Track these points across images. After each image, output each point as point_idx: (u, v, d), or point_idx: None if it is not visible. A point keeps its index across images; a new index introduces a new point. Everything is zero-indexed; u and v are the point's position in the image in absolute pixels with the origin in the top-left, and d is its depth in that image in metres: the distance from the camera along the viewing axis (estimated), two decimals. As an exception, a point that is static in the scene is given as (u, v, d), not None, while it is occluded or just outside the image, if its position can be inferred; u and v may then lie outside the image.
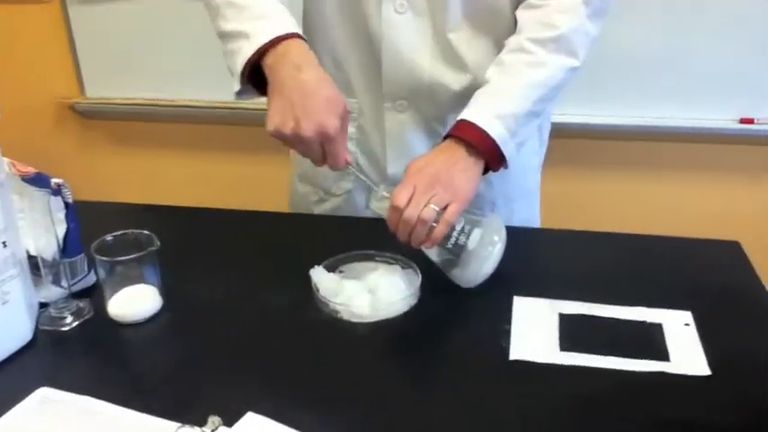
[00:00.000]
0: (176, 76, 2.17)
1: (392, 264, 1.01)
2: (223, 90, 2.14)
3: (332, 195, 1.24)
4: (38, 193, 0.87)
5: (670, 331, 0.88)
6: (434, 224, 0.90)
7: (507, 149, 0.98)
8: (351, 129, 1.16)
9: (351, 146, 1.18)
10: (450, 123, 1.06)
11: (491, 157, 0.97)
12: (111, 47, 2.17)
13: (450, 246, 0.93)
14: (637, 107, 1.91)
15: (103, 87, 2.23)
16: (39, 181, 0.90)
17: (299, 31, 0.94)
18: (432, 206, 0.90)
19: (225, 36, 0.97)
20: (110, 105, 2.24)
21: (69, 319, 0.91)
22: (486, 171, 1.00)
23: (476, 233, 0.94)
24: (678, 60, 1.84)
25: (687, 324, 0.90)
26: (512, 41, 1.03)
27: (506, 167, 1.01)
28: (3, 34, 2.22)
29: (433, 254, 0.96)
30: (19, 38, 2.22)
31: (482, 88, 1.02)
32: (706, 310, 0.92)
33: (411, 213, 0.89)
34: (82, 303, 0.94)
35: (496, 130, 0.97)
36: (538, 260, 0.96)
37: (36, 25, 2.19)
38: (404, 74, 1.09)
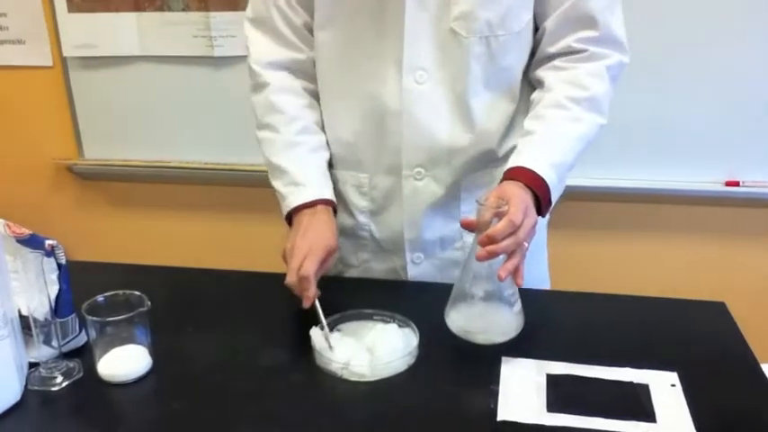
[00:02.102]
0: (173, 139, 2.20)
1: (389, 322, 1.02)
2: (218, 152, 2.19)
3: (350, 266, 1.26)
4: (31, 255, 0.89)
5: (657, 392, 0.89)
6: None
7: (555, 197, 1.02)
8: (363, 203, 1.19)
9: (363, 218, 1.20)
10: (467, 188, 1.09)
11: (546, 205, 1.01)
12: (110, 110, 2.21)
13: (507, 292, 0.95)
14: (622, 170, 1.94)
15: (101, 149, 2.27)
16: (33, 242, 0.91)
17: (323, 194, 1.11)
18: (525, 244, 0.94)
19: (273, 183, 1.16)
20: (107, 167, 2.27)
21: (59, 379, 0.92)
22: None
23: (519, 302, 0.97)
24: (664, 123, 1.88)
25: (673, 385, 0.90)
26: (546, 98, 1.07)
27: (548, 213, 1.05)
28: (5, 97, 2.27)
29: (482, 284, 0.96)
30: (20, 100, 2.27)
31: (527, 138, 1.06)
32: (692, 371, 0.93)
33: (523, 237, 0.92)
34: (72, 363, 0.94)
35: (551, 178, 1.01)
36: (525, 321, 0.96)
37: (38, 89, 2.24)
38: (423, 142, 1.11)
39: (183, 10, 2.04)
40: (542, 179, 1.00)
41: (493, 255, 0.91)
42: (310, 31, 1.15)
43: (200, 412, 0.86)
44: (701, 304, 1.11)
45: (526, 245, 0.94)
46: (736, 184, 1.92)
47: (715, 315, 1.08)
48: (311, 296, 1.00)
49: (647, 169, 1.93)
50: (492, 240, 0.91)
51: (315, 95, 1.19)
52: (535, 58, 1.12)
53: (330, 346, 0.96)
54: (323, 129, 1.19)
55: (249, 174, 2.16)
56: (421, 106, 1.09)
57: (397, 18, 1.05)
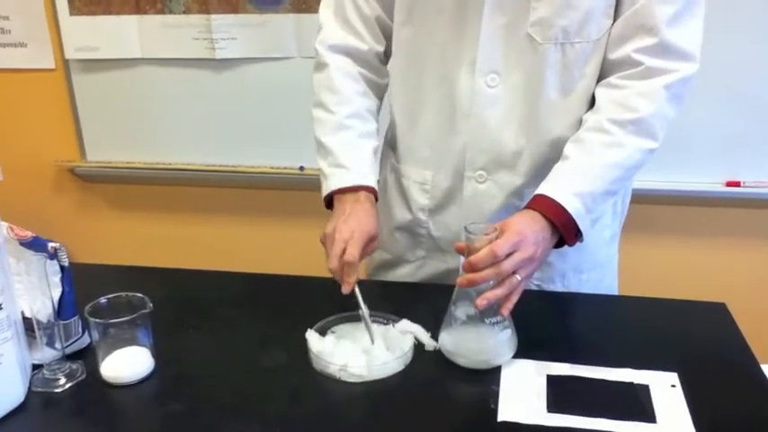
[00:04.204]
0: (174, 141, 2.21)
1: (385, 323, 1.02)
2: (219, 153, 2.19)
3: (406, 262, 1.26)
4: (35, 257, 0.89)
5: (657, 393, 0.89)
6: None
7: (583, 225, 1.01)
8: (424, 200, 1.20)
9: (422, 215, 1.21)
10: (528, 197, 1.07)
11: (567, 232, 1.00)
12: (112, 112, 2.22)
13: (490, 319, 0.93)
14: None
15: (103, 151, 2.28)
16: (36, 245, 0.92)
17: (366, 180, 1.12)
18: (518, 277, 0.93)
19: (320, 162, 1.17)
20: (109, 169, 2.27)
21: (62, 380, 0.92)
22: (559, 245, 1.02)
23: (507, 331, 0.95)
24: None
25: (673, 385, 0.91)
26: (591, 120, 1.05)
27: (581, 241, 1.03)
28: (7, 100, 2.28)
29: (465, 307, 0.95)
30: (23, 103, 2.27)
31: (560, 164, 1.04)
32: (692, 372, 0.93)
33: (506, 269, 0.92)
34: (75, 365, 0.95)
35: (574, 207, 0.99)
36: (526, 322, 0.97)
37: (40, 91, 2.25)
38: (488, 145, 1.11)
39: (184, 12, 2.05)
40: (563, 208, 0.99)
41: (472, 283, 0.92)
42: (381, 25, 1.17)
43: (201, 413, 0.87)
44: (702, 305, 1.11)
45: (518, 277, 0.93)
46: (737, 184, 1.93)
47: (715, 316, 1.09)
48: (352, 282, 1.01)
49: (648, 170, 1.92)
50: (472, 268, 0.92)
51: (371, 84, 1.21)
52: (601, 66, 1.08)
53: (372, 338, 0.98)
54: (374, 117, 1.20)
55: (250, 176, 2.16)
56: (490, 109, 1.09)
57: (474, 20, 1.05)
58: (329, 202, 1.14)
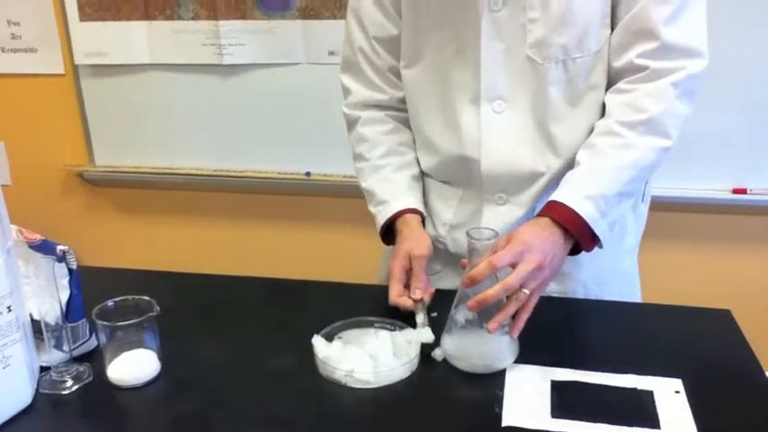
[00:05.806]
0: (182, 146, 2.22)
1: (392, 330, 1.03)
2: (226, 158, 2.20)
3: None
4: (43, 260, 0.90)
5: (661, 398, 0.89)
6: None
7: (599, 229, 1.00)
8: (448, 215, 1.21)
9: (443, 230, 1.21)
10: None
11: (582, 237, 0.99)
12: (121, 117, 2.23)
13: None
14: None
15: (112, 156, 2.29)
16: (44, 248, 0.93)
17: (406, 204, 1.17)
18: (525, 291, 0.93)
19: (369, 208, 1.23)
20: (117, 173, 2.29)
21: (69, 383, 0.93)
22: (577, 251, 1.02)
23: (508, 336, 0.95)
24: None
25: (678, 391, 0.91)
26: (601, 125, 1.05)
27: (601, 247, 1.03)
28: (17, 105, 2.29)
29: (465, 311, 0.94)
30: (32, 108, 2.29)
31: (572, 170, 1.04)
32: (697, 378, 0.93)
33: (513, 283, 0.92)
34: (82, 367, 0.95)
35: (587, 210, 0.99)
36: (529, 328, 0.97)
37: (50, 96, 2.27)
38: (503, 170, 1.11)
39: (193, 19, 2.07)
40: (575, 212, 0.99)
41: (482, 304, 0.91)
42: (395, 74, 1.20)
43: (207, 417, 0.87)
44: (707, 311, 1.11)
45: (525, 291, 0.93)
46: (744, 191, 1.93)
47: (720, 322, 1.08)
48: (411, 308, 1.05)
49: (654, 176, 1.93)
50: (473, 282, 0.92)
51: (400, 120, 1.24)
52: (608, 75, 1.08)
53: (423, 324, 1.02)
54: (411, 147, 1.23)
55: (257, 181, 2.17)
56: (500, 135, 1.09)
57: (473, 49, 1.06)
58: (391, 239, 1.18)
